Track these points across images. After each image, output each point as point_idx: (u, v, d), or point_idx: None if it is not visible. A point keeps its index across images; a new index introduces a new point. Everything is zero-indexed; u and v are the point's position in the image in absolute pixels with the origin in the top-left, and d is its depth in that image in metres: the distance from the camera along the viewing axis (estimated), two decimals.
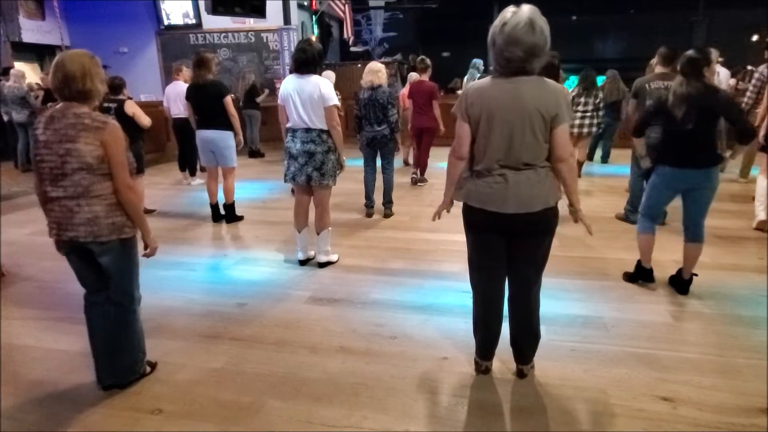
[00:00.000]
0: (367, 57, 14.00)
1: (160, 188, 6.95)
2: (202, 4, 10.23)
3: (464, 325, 2.84)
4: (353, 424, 2.16)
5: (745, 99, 6.19)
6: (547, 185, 2.10)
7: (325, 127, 3.62)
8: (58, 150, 2.06)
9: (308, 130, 3.61)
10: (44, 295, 3.54)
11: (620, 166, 7.07)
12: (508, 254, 2.22)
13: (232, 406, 2.29)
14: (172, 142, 8.34)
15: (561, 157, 2.07)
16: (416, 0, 16.44)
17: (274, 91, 9.87)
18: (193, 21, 11.50)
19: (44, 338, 2.93)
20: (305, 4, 12.43)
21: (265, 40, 11.38)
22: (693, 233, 3.23)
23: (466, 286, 2.45)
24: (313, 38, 11.92)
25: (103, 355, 2.37)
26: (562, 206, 2.15)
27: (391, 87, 5.14)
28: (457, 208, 2.34)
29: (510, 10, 1.96)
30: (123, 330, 2.36)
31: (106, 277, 2.27)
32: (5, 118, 7.98)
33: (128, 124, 4.96)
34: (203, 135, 4.92)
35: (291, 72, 3.72)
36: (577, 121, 6.11)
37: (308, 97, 3.54)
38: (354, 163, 5.56)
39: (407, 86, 7.06)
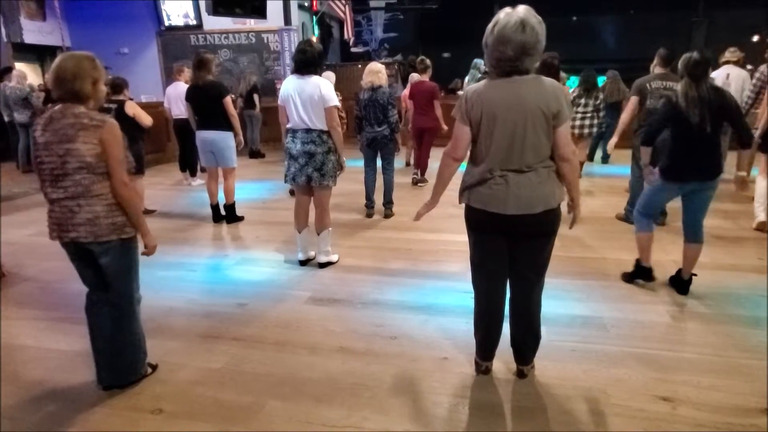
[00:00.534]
0: (367, 58, 14.03)
1: (161, 189, 6.96)
2: (202, 5, 10.25)
3: (464, 325, 2.84)
4: (353, 424, 2.16)
5: (744, 99, 6.18)
6: (548, 186, 2.09)
7: (325, 128, 3.63)
8: (57, 150, 2.07)
9: (308, 130, 3.62)
10: (44, 295, 3.55)
11: (620, 166, 7.07)
12: (509, 255, 2.22)
13: (232, 406, 2.29)
14: (172, 143, 8.35)
15: (564, 156, 2.08)
16: (416, 0, 16.45)
17: (274, 92, 9.87)
18: (194, 22, 11.50)
19: (44, 338, 2.94)
20: (306, 4, 12.44)
21: (265, 41, 11.38)
22: (693, 234, 3.23)
23: (466, 286, 2.45)
24: (314, 39, 11.92)
25: (103, 356, 2.38)
26: (565, 206, 2.15)
27: (391, 87, 5.14)
28: (458, 208, 2.34)
29: (505, 10, 1.97)
30: (122, 331, 2.36)
31: (108, 277, 2.28)
32: (6, 118, 7.99)
33: (129, 124, 4.97)
34: (203, 136, 4.93)
35: (292, 73, 3.73)
36: (578, 122, 6.12)
37: (309, 97, 3.54)
38: (354, 163, 5.57)
39: (408, 87, 7.06)
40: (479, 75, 7.99)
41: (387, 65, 8.43)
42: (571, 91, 6.32)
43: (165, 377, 2.51)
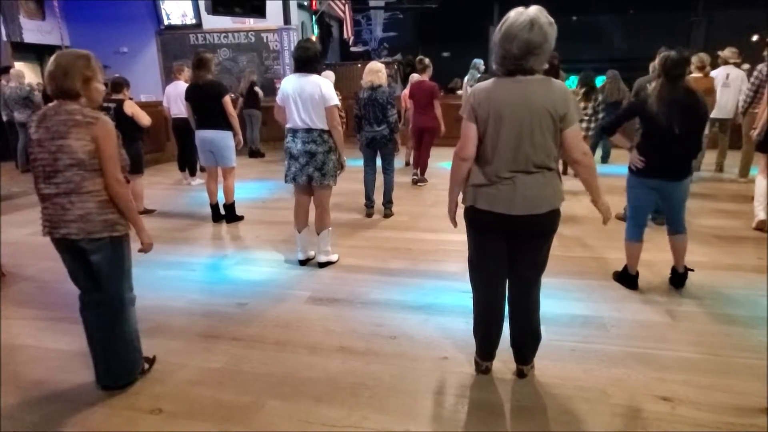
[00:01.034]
0: (367, 57, 14.01)
1: (160, 188, 6.95)
2: (202, 4, 10.23)
3: (464, 325, 2.84)
4: (353, 424, 2.16)
5: (742, 97, 6.18)
6: (552, 187, 2.10)
7: (325, 128, 3.62)
8: (50, 147, 2.08)
9: (309, 130, 3.61)
10: (44, 295, 3.54)
11: (620, 165, 7.05)
12: (509, 255, 2.22)
13: (232, 406, 2.29)
14: (172, 142, 8.34)
15: (576, 158, 2.09)
16: (416, 0, 16.44)
17: (274, 92, 9.86)
18: (193, 21, 11.49)
19: (44, 338, 2.94)
20: (305, 4, 12.43)
21: (265, 40, 11.38)
22: (674, 226, 3.28)
23: (466, 286, 2.45)
24: (313, 38, 11.93)
25: (99, 356, 2.37)
26: (567, 207, 2.15)
27: (390, 87, 5.14)
28: (458, 208, 2.34)
29: (517, 9, 1.97)
30: (116, 331, 2.35)
31: (99, 276, 2.27)
32: (5, 118, 7.97)
33: (128, 123, 4.98)
34: (202, 135, 4.93)
35: (292, 72, 3.72)
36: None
37: (309, 97, 3.54)
38: (354, 163, 5.56)
39: (408, 86, 7.06)
40: (478, 75, 7.99)
41: (386, 65, 8.41)
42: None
43: (164, 377, 2.51)
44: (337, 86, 4.79)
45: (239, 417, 2.22)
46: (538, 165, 2.05)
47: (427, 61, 6.62)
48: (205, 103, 4.82)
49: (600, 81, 8.18)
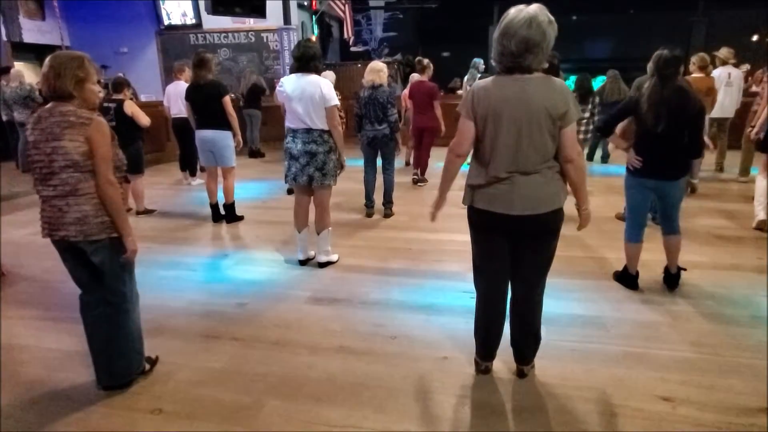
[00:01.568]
0: (367, 57, 14.00)
1: (160, 188, 6.95)
2: (202, 4, 10.24)
3: (464, 325, 2.84)
4: (353, 424, 2.16)
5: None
6: (552, 187, 2.09)
7: (326, 128, 3.62)
8: (45, 149, 2.08)
9: (309, 130, 3.61)
10: (44, 295, 3.54)
11: (620, 166, 7.05)
12: (511, 256, 2.22)
13: (232, 406, 2.29)
14: (172, 142, 8.33)
15: (569, 157, 2.07)
16: (416, 0, 16.44)
17: (273, 91, 9.86)
18: (193, 21, 11.49)
19: (44, 338, 2.94)
20: (305, 4, 12.44)
21: (265, 40, 11.38)
22: (668, 227, 3.28)
23: (466, 285, 2.45)
24: (313, 38, 11.93)
25: (100, 356, 2.37)
26: (569, 206, 2.15)
27: (390, 87, 5.14)
28: (458, 207, 2.34)
29: (518, 7, 1.96)
30: (117, 330, 2.35)
31: (100, 276, 2.27)
32: (5, 118, 7.97)
33: (128, 123, 4.98)
34: (202, 135, 4.93)
35: (291, 71, 3.72)
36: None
37: (309, 97, 3.53)
38: (354, 163, 5.57)
39: (408, 86, 7.07)
40: (478, 75, 8.00)
41: (386, 65, 8.41)
42: None
43: (164, 377, 2.51)
44: (337, 86, 4.79)
45: (239, 417, 2.22)
46: (537, 165, 2.05)
47: (426, 61, 6.62)
48: (206, 103, 4.82)
49: (599, 82, 8.19)
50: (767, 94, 4.97)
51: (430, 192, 6.31)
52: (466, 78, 8.71)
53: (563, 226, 2.20)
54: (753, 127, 5.01)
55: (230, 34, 11.46)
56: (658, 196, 3.22)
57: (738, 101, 6.45)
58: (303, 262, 3.97)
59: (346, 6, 13.66)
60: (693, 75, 5.48)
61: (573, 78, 8.13)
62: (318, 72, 3.68)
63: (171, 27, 11.69)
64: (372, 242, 4.51)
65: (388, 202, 5.32)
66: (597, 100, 6.31)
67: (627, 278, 3.40)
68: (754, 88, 6.93)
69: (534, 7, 1.95)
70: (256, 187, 6.81)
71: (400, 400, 2.30)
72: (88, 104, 2.17)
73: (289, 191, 5.84)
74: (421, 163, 6.69)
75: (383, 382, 2.44)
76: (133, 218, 5.19)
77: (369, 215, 5.29)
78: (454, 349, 2.70)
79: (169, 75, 10.04)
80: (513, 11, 1.96)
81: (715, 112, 6.11)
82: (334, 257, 4.00)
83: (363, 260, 4.05)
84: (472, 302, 2.44)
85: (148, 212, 5.53)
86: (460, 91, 10.73)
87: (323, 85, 3.54)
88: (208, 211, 5.26)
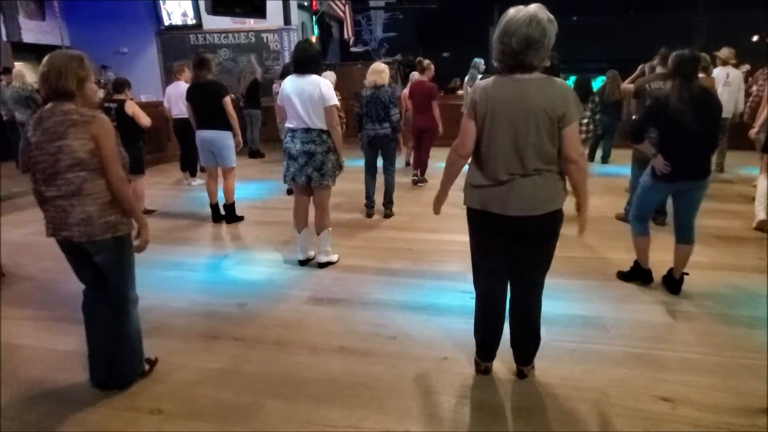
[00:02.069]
0: (367, 57, 14.02)
1: (160, 188, 6.95)
2: (202, 5, 10.24)
3: (464, 325, 2.84)
4: (353, 424, 2.16)
5: (741, 98, 6.21)
6: (550, 188, 2.08)
7: (325, 128, 3.62)
8: (49, 149, 2.07)
9: (308, 130, 3.61)
10: (44, 295, 3.54)
11: (620, 166, 7.07)
12: (510, 256, 2.22)
13: (232, 406, 2.29)
14: (172, 143, 8.34)
15: (570, 157, 2.06)
16: (416, 0, 16.46)
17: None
18: (194, 21, 11.50)
19: (44, 338, 2.93)
20: (305, 4, 12.44)
21: (265, 41, 11.38)
22: (685, 236, 3.24)
23: (466, 286, 2.45)
24: (313, 39, 11.94)
25: (99, 355, 2.37)
26: (569, 207, 2.15)
27: (391, 87, 5.14)
28: (458, 208, 2.34)
29: (517, 7, 1.97)
30: (118, 331, 2.35)
31: (103, 274, 2.28)
32: (5, 117, 7.97)
33: (129, 124, 4.97)
34: (202, 135, 4.93)
35: (284, 74, 3.72)
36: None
37: (308, 97, 3.54)
38: (354, 163, 5.57)
39: (408, 86, 7.07)
40: (478, 75, 7.99)
41: (386, 65, 8.41)
42: None
43: (164, 377, 2.51)
44: (337, 87, 4.80)
45: (239, 417, 2.22)
46: (535, 166, 2.04)
47: (426, 62, 6.61)
48: (206, 103, 4.83)
49: (599, 82, 8.19)
50: (767, 94, 4.98)
51: (430, 192, 6.31)
52: (466, 78, 8.70)
53: (563, 226, 2.20)
54: (753, 128, 5.02)
55: (230, 35, 11.46)
56: (682, 199, 3.17)
57: (740, 101, 6.45)
58: (303, 263, 3.97)
59: (346, 6, 13.68)
60: None
61: (573, 78, 8.14)
62: (318, 73, 3.68)
63: (171, 27, 11.69)
64: (372, 242, 4.51)
65: (388, 202, 5.32)
66: (597, 99, 6.30)
67: (640, 274, 3.40)
68: (754, 89, 6.93)
69: (533, 6, 1.96)
70: (256, 187, 6.81)
71: (400, 400, 2.30)
72: (89, 103, 2.17)
73: (289, 191, 5.84)
74: (420, 164, 6.69)
75: (383, 382, 2.44)
76: None
77: (369, 215, 5.29)
78: (454, 349, 2.70)
79: (169, 75, 10.05)
80: (512, 11, 1.97)
81: None
82: (334, 257, 4.00)
83: (363, 260, 4.04)
84: (472, 302, 2.44)
85: (148, 212, 5.52)
86: (460, 92, 10.72)
87: (323, 84, 3.54)
88: (208, 211, 5.26)
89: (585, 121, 6.04)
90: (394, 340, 2.82)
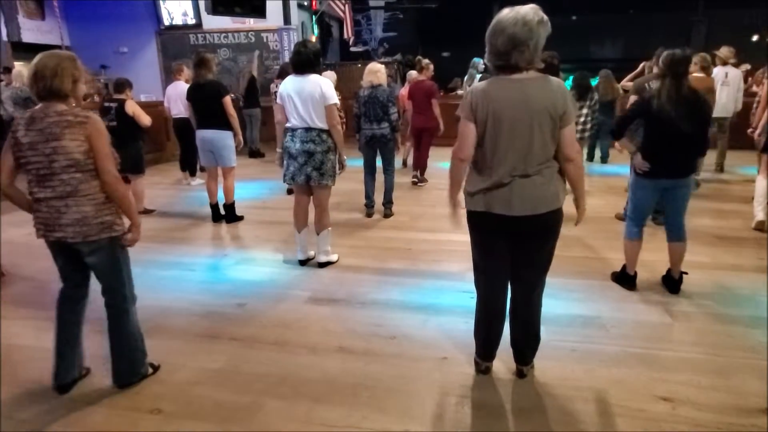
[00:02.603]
0: (367, 57, 14.01)
1: (160, 188, 6.95)
2: (202, 4, 10.22)
3: (464, 325, 2.84)
4: (353, 424, 2.15)
5: (739, 98, 6.20)
6: (552, 187, 2.09)
7: (325, 127, 3.62)
8: (44, 150, 2.06)
9: (308, 129, 3.61)
10: (43, 295, 3.53)
11: (620, 165, 7.07)
12: (511, 256, 2.22)
13: (231, 406, 2.29)
14: (172, 142, 8.33)
15: (569, 156, 2.07)
16: (416, 0, 16.45)
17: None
18: (193, 21, 11.48)
19: (44, 338, 2.92)
20: (305, 4, 12.43)
21: (265, 40, 11.36)
22: (675, 233, 3.26)
23: (466, 286, 2.45)
24: (313, 38, 11.93)
25: (63, 352, 2.35)
26: (568, 205, 2.15)
27: (390, 87, 5.15)
28: (458, 208, 2.33)
29: (512, 7, 1.96)
30: (119, 331, 2.35)
31: (95, 276, 2.28)
32: (4, 117, 7.96)
33: (129, 123, 4.98)
34: (202, 135, 4.93)
35: (282, 74, 3.72)
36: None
37: (309, 96, 3.53)
38: (354, 163, 5.56)
39: (407, 86, 7.06)
40: (477, 75, 7.99)
41: (386, 65, 8.42)
42: None
43: (164, 377, 2.51)
44: (337, 86, 4.78)
45: (239, 417, 2.21)
46: (538, 166, 2.05)
47: (425, 61, 6.61)
48: (206, 103, 4.83)
49: (593, 82, 8.17)
50: (766, 94, 4.97)
51: (429, 192, 6.31)
52: (465, 78, 8.70)
53: (563, 226, 2.20)
54: (755, 128, 5.02)
55: (230, 34, 11.44)
56: (668, 197, 3.19)
57: (739, 101, 6.45)
58: (303, 262, 3.97)
59: (346, 6, 13.67)
60: (694, 75, 5.48)
61: (571, 77, 8.14)
62: (318, 72, 3.68)
63: (171, 27, 11.67)
64: (372, 242, 4.51)
65: (388, 202, 5.32)
66: (596, 96, 6.30)
67: (626, 278, 3.40)
68: (754, 89, 6.93)
69: (527, 7, 1.95)
70: (256, 187, 6.81)
71: (400, 400, 2.30)
72: (79, 103, 2.18)
73: (289, 191, 5.84)
74: (420, 164, 6.68)
75: (382, 382, 2.44)
76: None
77: (369, 215, 5.29)
78: (453, 349, 2.69)
79: (168, 75, 10.05)
80: (505, 11, 1.96)
81: (714, 112, 6.11)
82: (333, 257, 4.00)
83: (363, 260, 4.04)
84: (471, 302, 2.44)
85: (147, 212, 5.52)
86: (460, 91, 10.72)
87: (323, 83, 3.54)
88: (208, 211, 5.26)
89: (582, 119, 6.05)
90: (394, 339, 2.82)
